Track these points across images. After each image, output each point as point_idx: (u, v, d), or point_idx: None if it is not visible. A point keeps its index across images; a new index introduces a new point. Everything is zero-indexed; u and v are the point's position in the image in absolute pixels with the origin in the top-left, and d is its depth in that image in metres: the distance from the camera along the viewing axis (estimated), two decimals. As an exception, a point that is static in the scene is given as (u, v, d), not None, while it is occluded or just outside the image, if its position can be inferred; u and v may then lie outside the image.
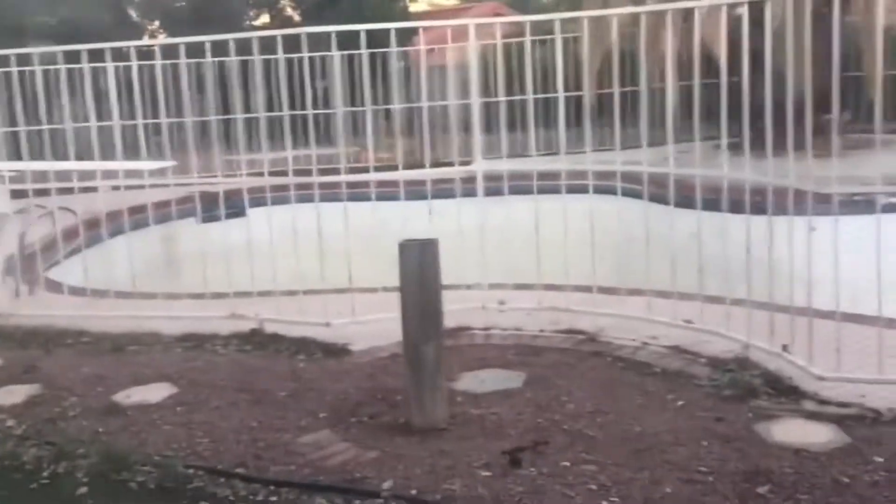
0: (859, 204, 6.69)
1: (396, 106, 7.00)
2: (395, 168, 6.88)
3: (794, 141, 4.78)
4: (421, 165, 6.73)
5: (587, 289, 6.16)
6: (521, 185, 6.55)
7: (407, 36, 6.55)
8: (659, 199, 5.99)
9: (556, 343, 5.72)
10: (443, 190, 6.77)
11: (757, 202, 5.09)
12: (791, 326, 4.81)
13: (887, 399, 4.37)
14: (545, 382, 4.93)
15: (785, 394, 4.60)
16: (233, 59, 6.32)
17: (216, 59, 6.52)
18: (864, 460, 3.78)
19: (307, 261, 6.33)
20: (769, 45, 4.88)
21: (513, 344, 5.76)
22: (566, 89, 6.28)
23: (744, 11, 5.06)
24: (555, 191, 6.35)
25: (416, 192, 6.73)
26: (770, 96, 4.91)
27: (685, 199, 5.75)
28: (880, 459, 3.77)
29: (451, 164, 6.83)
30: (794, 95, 4.82)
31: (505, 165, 6.58)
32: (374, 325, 5.90)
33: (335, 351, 5.80)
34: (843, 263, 4.75)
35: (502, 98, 6.37)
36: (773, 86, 4.91)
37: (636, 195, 6.08)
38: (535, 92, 6.40)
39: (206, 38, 6.36)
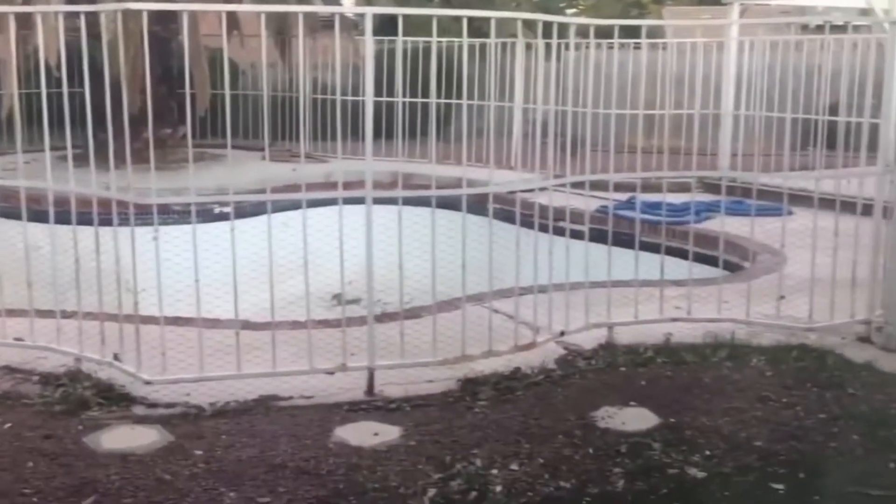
0: (197, 213, 7.13)
1: None
2: None
3: (130, 153, 4.82)
4: None
5: None
6: None
7: None
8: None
9: None
10: None
11: (99, 214, 5.09)
12: (121, 334, 4.96)
13: (208, 395, 4.78)
14: None
15: (116, 402, 4.74)
16: None
17: None
18: (186, 455, 4.07)
19: None
20: (86, 58, 4.89)
21: None
22: None
23: (81, 22, 4.95)
24: None
25: None
26: (89, 107, 4.92)
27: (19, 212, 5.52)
28: (200, 452, 4.10)
29: None
30: (127, 109, 4.92)
31: None
32: None
33: None
34: (173, 269, 5.05)
35: None
36: (111, 99, 4.89)
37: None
38: None
39: None
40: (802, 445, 4.24)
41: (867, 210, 5.82)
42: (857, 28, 7.16)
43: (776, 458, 4.11)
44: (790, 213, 6.27)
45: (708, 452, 4.15)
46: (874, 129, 5.86)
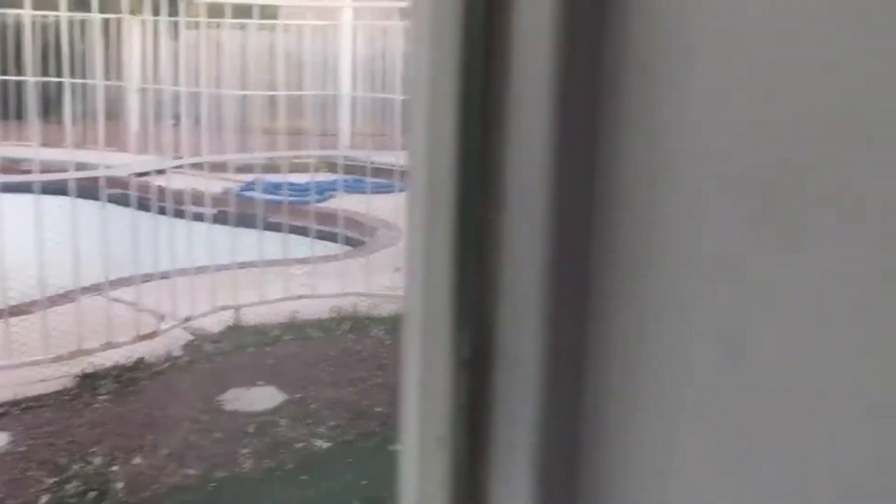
0: None
1: None
2: None
3: None
4: None
5: None
6: None
7: None
8: None
9: None
10: None
11: None
12: None
13: None
14: None
15: None
16: None
17: None
18: None
19: None
20: None
21: None
22: None
23: None
24: None
25: None
26: None
27: None
28: None
29: None
30: None
31: None
32: None
33: None
34: None
35: None
36: None
37: None
38: None
39: None
40: (419, 406, 4.54)
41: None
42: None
43: (396, 422, 4.36)
44: (402, 189, 6.64)
45: (333, 423, 4.30)
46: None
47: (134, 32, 6.58)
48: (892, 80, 0.32)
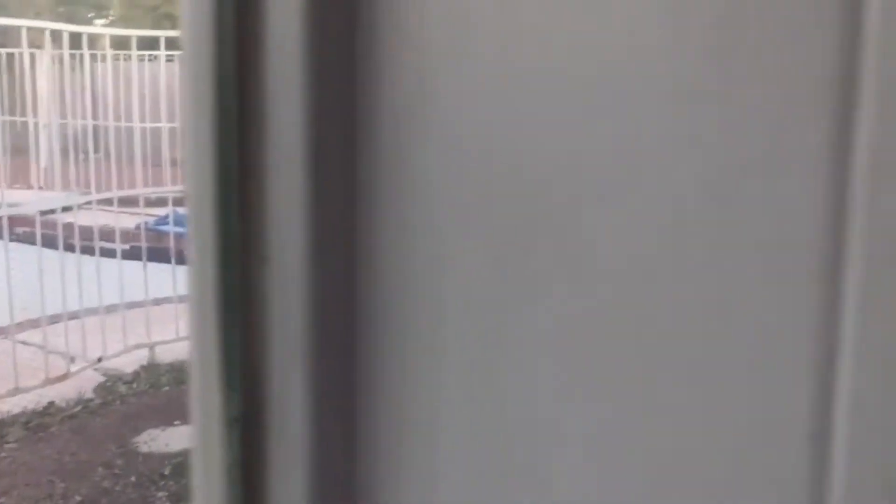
0: None
1: None
2: None
3: None
4: None
5: None
6: None
7: None
8: None
9: None
10: None
11: None
12: None
13: None
14: None
15: None
16: None
17: None
18: None
19: None
20: None
21: None
22: None
23: None
24: None
25: None
26: None
27: None
28: None
29: None
30: None
31: None
32: None
33: None
34: None
35: None
36: None
37: None
38: None
39: None
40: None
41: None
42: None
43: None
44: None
45: (251, 459, 4.23)
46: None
47: (40, 66, 6.43)
48: (615, 136, 0.33)
